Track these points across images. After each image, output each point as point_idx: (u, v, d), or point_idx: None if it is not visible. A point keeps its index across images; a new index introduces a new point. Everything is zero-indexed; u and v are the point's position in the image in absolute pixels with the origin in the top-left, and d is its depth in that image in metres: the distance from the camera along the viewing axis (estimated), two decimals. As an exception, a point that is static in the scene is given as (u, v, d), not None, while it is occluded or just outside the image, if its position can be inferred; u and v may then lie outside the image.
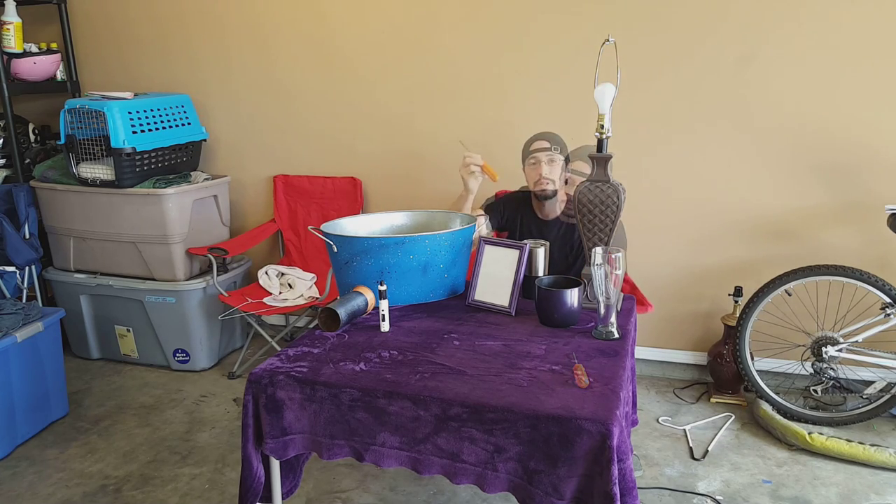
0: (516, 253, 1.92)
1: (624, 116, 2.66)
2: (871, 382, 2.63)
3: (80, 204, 3.05)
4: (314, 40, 3.13)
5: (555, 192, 2.27)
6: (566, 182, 2.36)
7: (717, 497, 2.14)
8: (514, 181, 2.54)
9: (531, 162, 2.28)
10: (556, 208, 2.34)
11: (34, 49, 3.26)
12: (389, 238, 1.86)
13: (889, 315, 2.42)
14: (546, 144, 2.25)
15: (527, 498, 1.38)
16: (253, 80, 3.28)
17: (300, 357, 1.64)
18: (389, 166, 3.16)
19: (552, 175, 2.24)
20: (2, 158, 3.26)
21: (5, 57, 3.15)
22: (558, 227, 2.34)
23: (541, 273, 2.00)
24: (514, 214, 2.40)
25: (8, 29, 3.13)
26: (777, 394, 2.60)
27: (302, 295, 3.04)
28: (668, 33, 2.68)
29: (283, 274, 3.18)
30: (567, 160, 2.31)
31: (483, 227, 2.24)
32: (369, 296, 1.85)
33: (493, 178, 2.28)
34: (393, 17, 2.99)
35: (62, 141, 2.97)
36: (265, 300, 2.99)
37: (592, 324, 1.81)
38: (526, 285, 1.96)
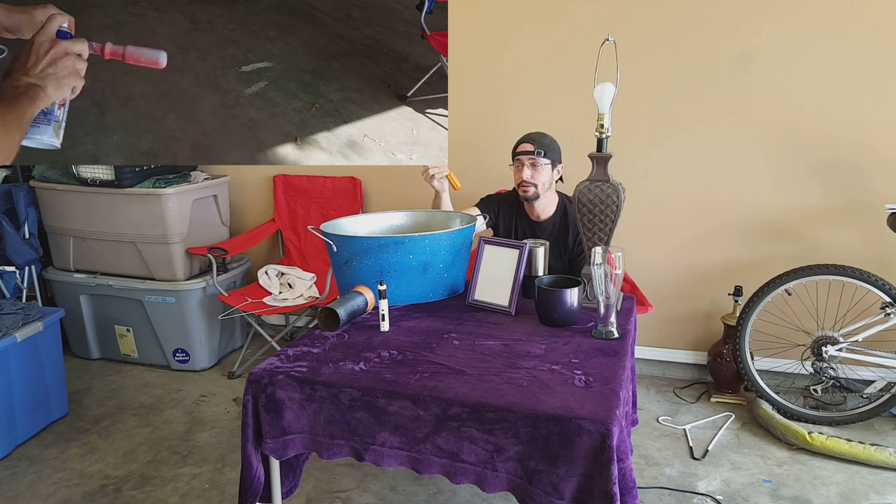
0: (516, 252, 1.92)
1: (624, 116, 2.66)
2: (871, 382, 2.63)
3: (79, 204, 3.05)
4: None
5: (536, 196, 2.27)
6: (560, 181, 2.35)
7: (717, 497, 2.14)
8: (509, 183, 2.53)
9: (515, 164, 2.30)
10: (546, 209, 2.34)
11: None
12: (389, 238, 1.86)
13: (889, 314, 2.42)
14: (530, 147, 2.25)
15: (526, 497, 1.38)
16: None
17: (300, 357, 1.64)
18: (389, 166, 3.15)
19: (534, 179, 2.25)
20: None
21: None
22: (550, 227, 2.35)
23: (540, 273, 2.00)
24: (508, 214, 2.40)
25: None
26: (777, 393, 2.60)
27: (302, 295, 3.04)
28: (668, 32, 2.68)
29: (282, 274, 3.18)
30: (557, 161, 2.29)
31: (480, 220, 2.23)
32: (369, 295, 1.85)
33: (455, 187, 2.27)
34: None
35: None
36: (265, 300, 2.99)
37: (592, 323, 1.80)
38: (526, 285, 1.96)
